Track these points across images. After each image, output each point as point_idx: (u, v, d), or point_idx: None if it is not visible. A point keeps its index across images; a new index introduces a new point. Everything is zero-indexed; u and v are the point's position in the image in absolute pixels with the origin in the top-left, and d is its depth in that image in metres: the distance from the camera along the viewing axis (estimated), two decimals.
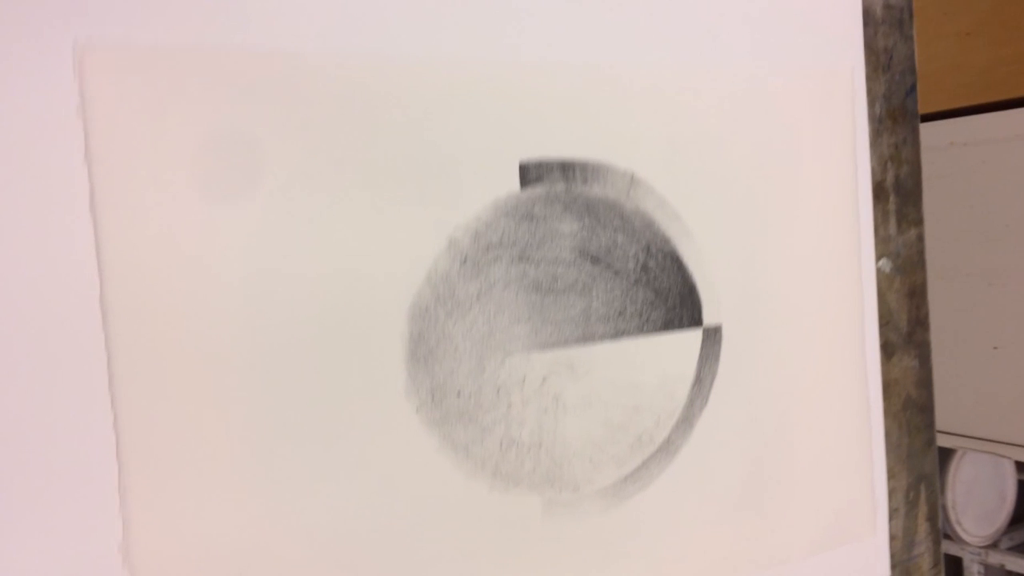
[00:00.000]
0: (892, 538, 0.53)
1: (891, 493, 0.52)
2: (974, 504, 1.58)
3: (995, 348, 1.19)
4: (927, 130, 1.16)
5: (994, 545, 1.60)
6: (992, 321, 1.17)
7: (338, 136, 0.34)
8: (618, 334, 0.41)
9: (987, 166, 1.16)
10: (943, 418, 1.21)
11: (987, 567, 1.59)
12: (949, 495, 1.54)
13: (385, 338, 0.36)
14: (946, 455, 1.56)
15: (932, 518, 0.55)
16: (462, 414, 0.38)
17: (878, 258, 0.51)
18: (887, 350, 0.52)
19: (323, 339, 0.34)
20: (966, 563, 1.61)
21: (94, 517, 0.30)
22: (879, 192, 0.51)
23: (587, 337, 0.40)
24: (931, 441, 0.55)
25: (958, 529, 1.57)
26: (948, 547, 1.59)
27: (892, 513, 0.53)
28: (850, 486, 0.50)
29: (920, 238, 0.53)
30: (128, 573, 0.31)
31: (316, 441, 0.35)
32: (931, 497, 0.55)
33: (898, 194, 0.52)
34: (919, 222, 0.53)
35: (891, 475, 0.53)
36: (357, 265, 0.35)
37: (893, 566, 0.52)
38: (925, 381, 0.54)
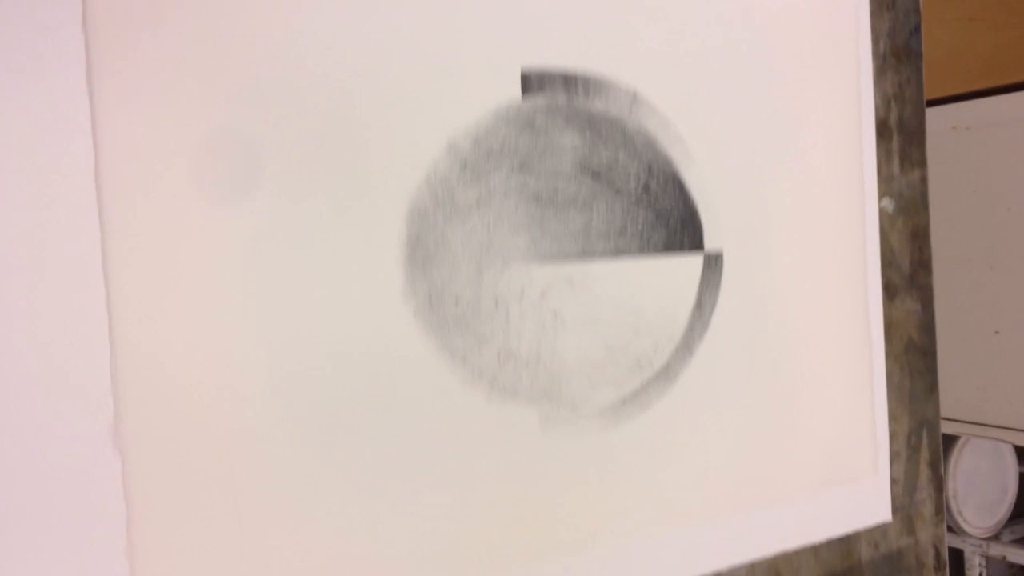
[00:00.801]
0: (894, 482, 0.52)
1: (892, 436, 0.52)
2: (975, 495, 1.57)
3: (997, 333, 1.18)
4: (929, 115, 1.16)
5: (996, 537, 1.59)
6: (994, 306, 1.17)
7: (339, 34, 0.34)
8: (618, 252, 0.41)
9: (989, 150, 1.16)
10: (944, 404, 1.20)
11: (988, 559, 1.58)
12: (950, 485, 1.54)
13: (383, 238, 0.36)
14: (947, 444, 1.56)
15: (934, 465, 0.55)
16: (459, 322, 0.37)
17: (880, 197, 0.51)
18: (889, 291, 0.51)
19: (319, 234, 0.34)
20: (967, 555, 1.60)
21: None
22: (882, 130, 0.51)
23: (587, 253, 0.40)
24: (933, 387, 0.54)
25: (959, 520, 1.56)
26: (949, 539, 1.58)
27: (893, 457, 0.52)
28: (851, 423, 0.50)
29: (923, 180, 0.53)
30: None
31: (310, 337, 0.34)
32: (933, 443, 0.54)
33: (901, 134, 0.52)
34: (922, 164, 0.53)
35: (892, 418, 0.52)
36: (355, 163, 0.35)
37: (895, 510, 0.52)
38: (927, 326, 0.54)
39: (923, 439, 0.54)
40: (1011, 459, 1.62)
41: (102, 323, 0.30)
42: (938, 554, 0.54)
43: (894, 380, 0.52)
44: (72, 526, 0.30)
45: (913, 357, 0.53)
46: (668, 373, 0.43)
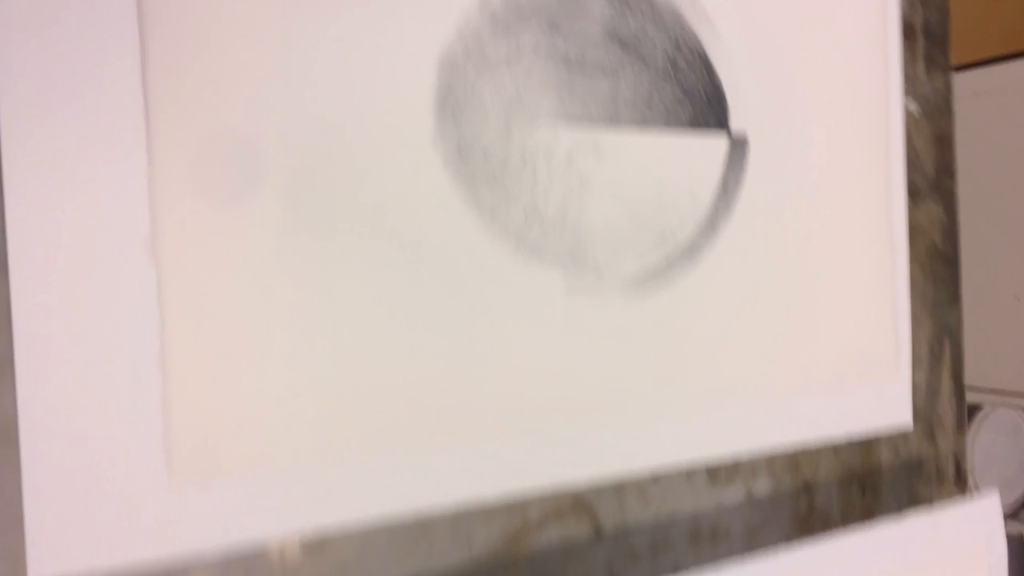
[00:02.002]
0: (915, 388, 0.52)
1: (915, 341, 0.52)
2: (993, 472, 1.56)
3: (1017, 299, 1.17)
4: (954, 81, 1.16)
5: (1013, 515, 1.58)
6: (1015, 272, 1.16)
7: None
8: (644, 123, 0.41)
9: (1013, 115, 1.15)
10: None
11: (1007, 537, 1.56)
12: (968, 458, 1.52)
13: (414, 86, 0.36)
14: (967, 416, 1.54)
15: (956, 376, 0.54)
16: (488, 176, 0.38)
17: (905, 97, 0.51)
18: (913, 193, 0.51)
19: (352, 82, 0.35)
20: None
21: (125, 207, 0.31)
22: (908, 31, 0.51)
23: (614, 119, 0.40)
24: (956, 296, 0.54)
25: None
26: None
27: (915, 362, 0.52)
28: (873, 323, 0.50)
29: (948, 87, 0.53)
30: (155, 264, 0.31)
31: (343, 183, 0.35)
32: (955, 353, 0.54)
33: (927, 37, 0.52)
34: (947, 69, 0.53)
35: (915, 323, 0.52)
36: (387, 12, 0.35)
37: (916, 417, 0.52)
38: (951, 233, 0.54)
39: (945, 348, 0.54)
40: None
41: (140, 140, 0.31)
42: (958, 466, 0.54)
43: (917, 285, 0.52)
44: (108, 336, 0.30)
45: (936, 264, 0.53)
46: (692, 251, 0.43)
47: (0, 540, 0.29)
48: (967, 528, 0.46)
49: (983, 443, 1.57)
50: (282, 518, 0.34)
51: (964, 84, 1.19)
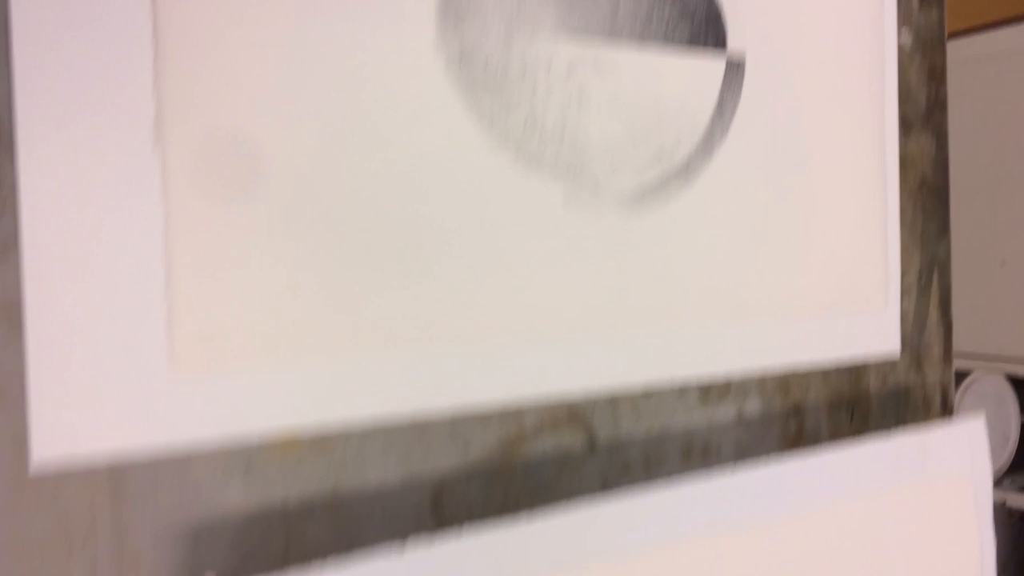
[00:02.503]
0: (903, 317, 0.53)
1: (904, 272, 0.53)
2: None
3: (1003, 265, 1.19)
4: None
5: (997, 483, 1.60)
6: (1000, 237, 1.17)
7: None
8: (644, 39, 0.41)
9: (1003, 81, 1.16)
10: None
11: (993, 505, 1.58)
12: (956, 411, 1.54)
13: None
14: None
15: (944, 308, 0.55)
16: (488, 84, 0.38)
17: (899, 29, 0.51)
18: (905, 125, 0.52)
19: None
20: None
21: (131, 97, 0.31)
22: None
23: (613, 33, 0.41)
24: (945, 229, 0.55)
25: None
26: None
27: (904, 292, 0.53)
28: (863, 251, 0.50)
29: (941, 21, 0.53)
30: (159, 153, 0.31)
31: (345, 85, 0.35)
32: (943, 285, 0.55)
33: None
34: (940, 3, 0.53)
35: (904, 253, 0.53)
36: None
37: (904, 346, 0.53)
38: (941, 167, 0.54)
39: (933, 279, 0.54)
40: (1013, 406, 1.63)
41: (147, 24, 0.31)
42: (945, 397, 0.55)
43: (907, 217, 0.53)
44: (113, 221, 0.31)
45: (926, 196, 0.54)
46: (688, 170, 0.44)
47: (4, 421, 0.30)
48: (953, 449, 0.47)
49: (967, 410, 1.59)
50: (281, 414, 0.34)
51: (956, 51, 1.20)
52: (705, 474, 0.41)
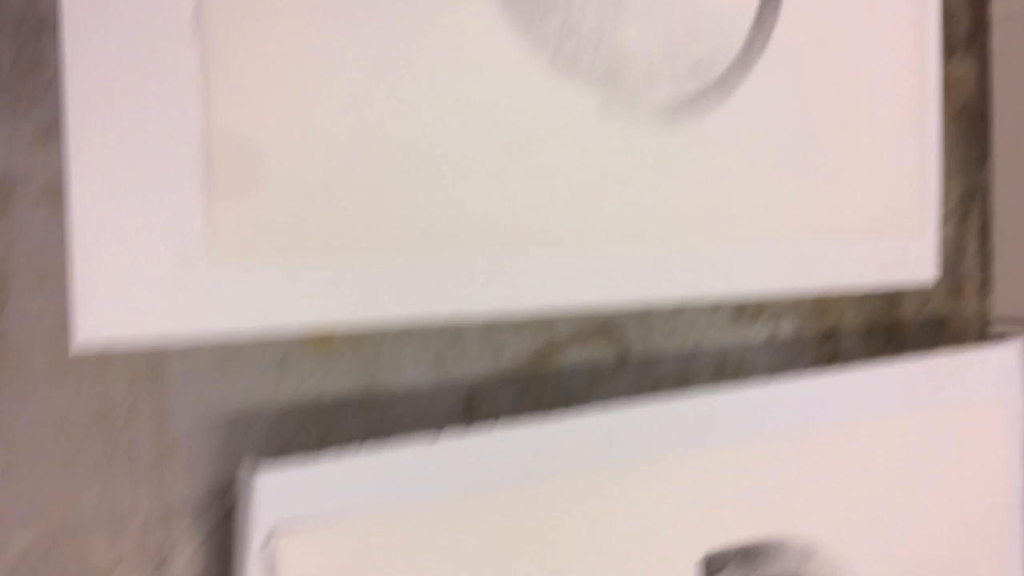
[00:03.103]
0: (941, 244, 0.52)
1: (943, 198, 0.52)
2: None
3: None
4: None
5: None
6: None
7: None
8: None
9: None
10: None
11: None
12: None
13: None
14: None
15: (983, 238, 0.54)
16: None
17: None
18: (948, 48, 0.51)
19: None
20: None
21: None
22: None
23: None
24: (986, 156, 0.54)
25: None
26: None
27: (943, 219, 0.52)
28: (903, 175, 0.50)
29: None
30: (200, 38, 0.31)
31: None
32: (984, 213, 0.54)
33: None
34: None
35: (944, 179, 0.52)
36: None
37: (941, 274, 0.52)
38: (984, 92, 0.53)
39: (973, 207, 0.53)
40: None
41: None
42: (982, 329, 0.54)
43: (948, 142, 0.52)
44: (155, 104, 0.31)
45: (968, 123, 0.53)
46: (726, 83, 0.43)
47: (48, 302, 0.30)
48: (989, 374, 0.47)
49: None
50: (317, 309, 0.34)
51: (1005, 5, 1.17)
52: (739, 386, 0.41)
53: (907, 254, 0.50)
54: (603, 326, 0.41)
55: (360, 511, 0.31)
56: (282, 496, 0.30)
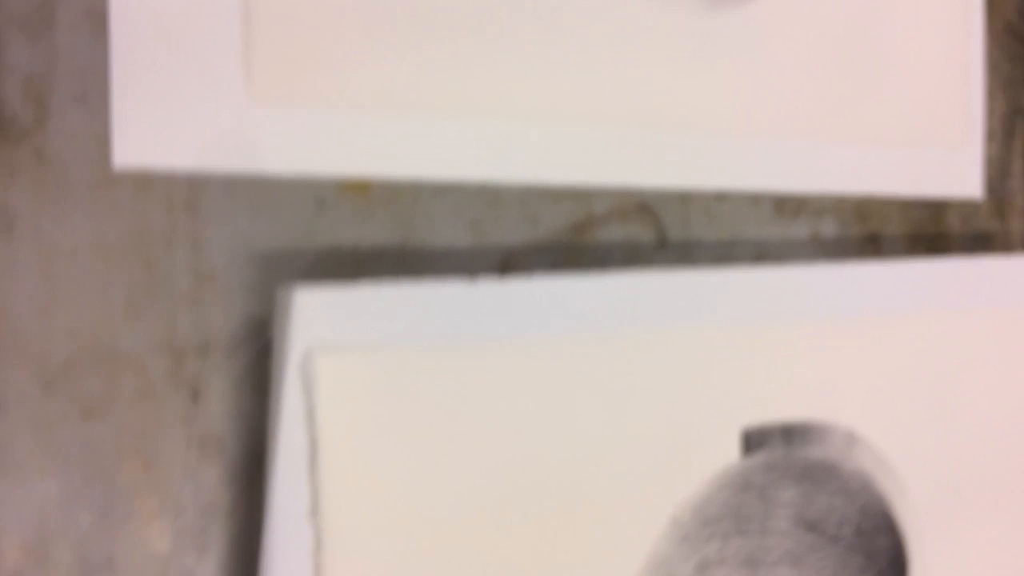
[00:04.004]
0: (987, 162, 0.51)
1: (987, 115, 0.51)
2: None
3: None
4: None
5: None
6: None
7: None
8: None
9: None
10: None
11: None
12: None
13: None
14: None
15: None
16: None
17: None
18: None
19: None
20: None
21: None
22: None
23: None
24: None
25: None
26: None
27: (987, 137, 0.51)
28: (947, 86, 0.49)
29: None
30: None
31: None
32: None
33: None
34: None
35: (988, 96, 0.51)
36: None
37: (986, 191, 0.51)
38: None
39: (1017, 127, 0.53)
40: None
41: None
42: None
43: (991, 59, 0.51)
44: None
45: (1011, 41, 0.52)
46: None
47: (88, 122, 0.30)
48: None
49: None
50: (353, 158, 0.34)
51: None
52: (781, 267, 0.40)
53: (952, 167, 0.49)
54: (641, 205, 0.40)
55: (396, 342, 0.31)
56: (320, 315, 0.30)
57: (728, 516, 0.37)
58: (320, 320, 0.30)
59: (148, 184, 0.31)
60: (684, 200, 0.42)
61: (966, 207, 0.51)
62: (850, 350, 0.41)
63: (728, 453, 0.37)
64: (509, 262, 0.38)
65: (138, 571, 0.31)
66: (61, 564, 0.30)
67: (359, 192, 0.35)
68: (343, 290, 0.30)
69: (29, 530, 0.29)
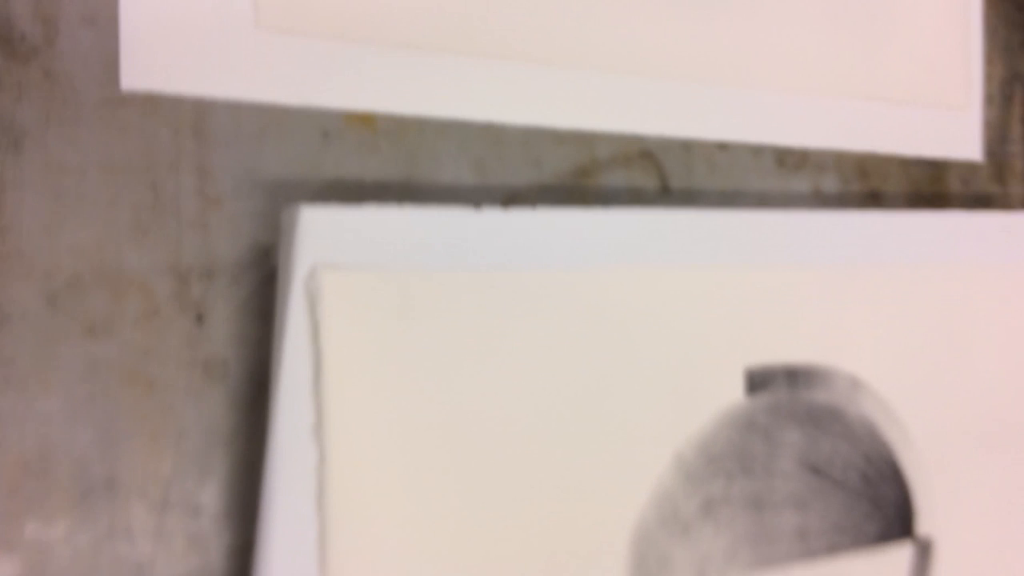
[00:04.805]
0: (986, 125, 0.51)
1: (986, 80, 0.51)
2: None
3: None
4: None
5: None
6: None
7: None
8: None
9: None
10: None
11: None
12: None
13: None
14: None
15: None
16: None
17: None
18: None
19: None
20: None
21: None
22: None
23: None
24: None
25: None
26: None
27: (986, 100, 0.51)
28: (946, 49, 0.49)
29: None
30: None
31: None
32: None
33: None
34: None
35: (987, 61, 0.51)
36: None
37: (986, 154, 0.51)
38: None
39: (1016, 92, 0.53)
40: None
41: None
42: None
43: (989, 24, 0.51)
44: None
45: (1009, 7, 0.53)
46: None
47: (97, 44, 0.30)
48: None
49: None
50: (359, 91, 0.34)
51: None
52: (784, 211, 0.40)
53: (951, 129, 0.50)
54: (643, 151, 0.41)
55: (401, 265, 0.31)
56: (326, 235, 0.30)
57: (732, 455, 0.36)
58: (326, 239, 0.30)
59: (155, 107, 0.31)
60: (687, 149, 0.42)
61: (966, 169, 0.51)
62: (853, 298, 0.41)
63: (732, 393, 0.37)
64: (513, 202, 0.38)
65: (139, 493, 0.31)
66: (61, 481, 0.29)
67: (365, 125, 0.35)
68: (349, 211, 0.30)
69: (30, 446, 0.29)
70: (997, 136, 0.52)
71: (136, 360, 0.31)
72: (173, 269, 0.31)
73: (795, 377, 0.39)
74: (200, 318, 0.32)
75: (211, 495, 0.32)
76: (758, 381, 0.37)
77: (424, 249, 0.31)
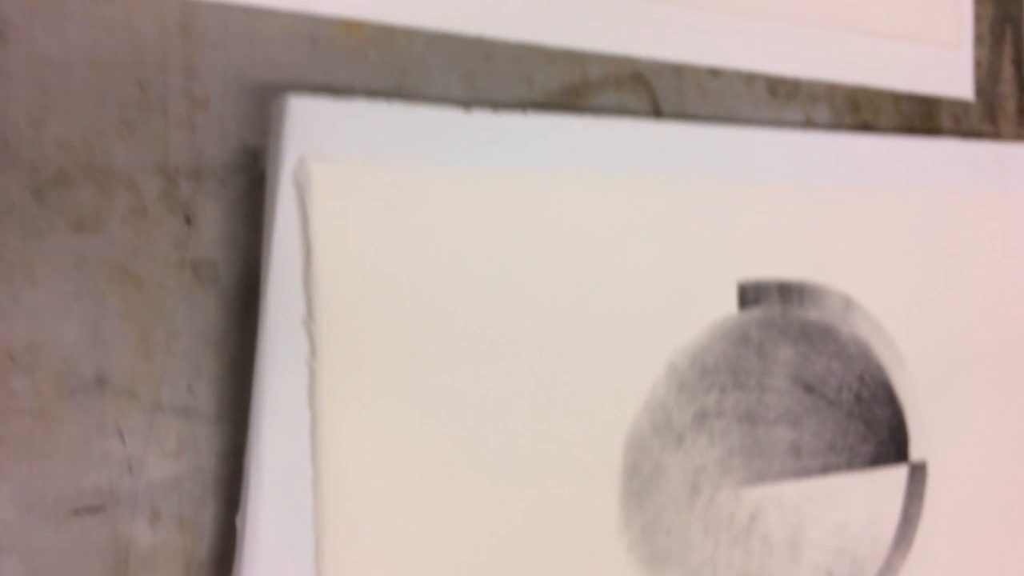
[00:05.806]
0: (977, 65, 0.51)
1: (977, 20, 0.51)
2: None
3: None
4: None
5: None
6: None
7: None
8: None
9: None
10: None
11: None
12: None
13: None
14: None
15: (1018, 65, 0.54)
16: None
17: None
18: None
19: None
20: None
21: None
22: None
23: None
24: None
25: None
26: None
27: (977, 41, 0.52)
28: None
29: None
30: None
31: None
32: (1017, 43, 0.54)
33: None
34: None
35: (977, 1, 0.52)
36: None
37: (977, 94, 0.51)
38: None
39: (1007, 33, 0.53)
40: None
41: None
42: None
43: None
44: None
45: None
46: None
47: None
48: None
49: None
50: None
51: None
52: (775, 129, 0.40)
53: (943, 65, 0.50)
54: (635, 74, 0.41)
55: (390, 160, 0.31)
56: (315, 125, 0.29)
57: (726, 368, 0.36)
58: (315, 131, 0.29)
59: (141, 3, 0.31)
60: (678, 73, 0.42)
61: (957, 107, 0.51)
62: (846, 219, 0.41)
63: (725, 305, 0.37)
64: None
65: (129, 392, 0.30)
66: (49, 376, 0.29)
67: (353, 32, 0.35)
68: (339, 102, 0.30)
69: (18, 338, 0.29)
70: (988, 76, 0.52)
71: (124, 257, 0.30)
72: (161, 168, 0.31)
73: (788, 293, 0.38)
74: (189, 219, 0.31)
75: (203, 397, 0.31)
76: (751, 295, 0.37)
77: (413, 147, 0.31)
